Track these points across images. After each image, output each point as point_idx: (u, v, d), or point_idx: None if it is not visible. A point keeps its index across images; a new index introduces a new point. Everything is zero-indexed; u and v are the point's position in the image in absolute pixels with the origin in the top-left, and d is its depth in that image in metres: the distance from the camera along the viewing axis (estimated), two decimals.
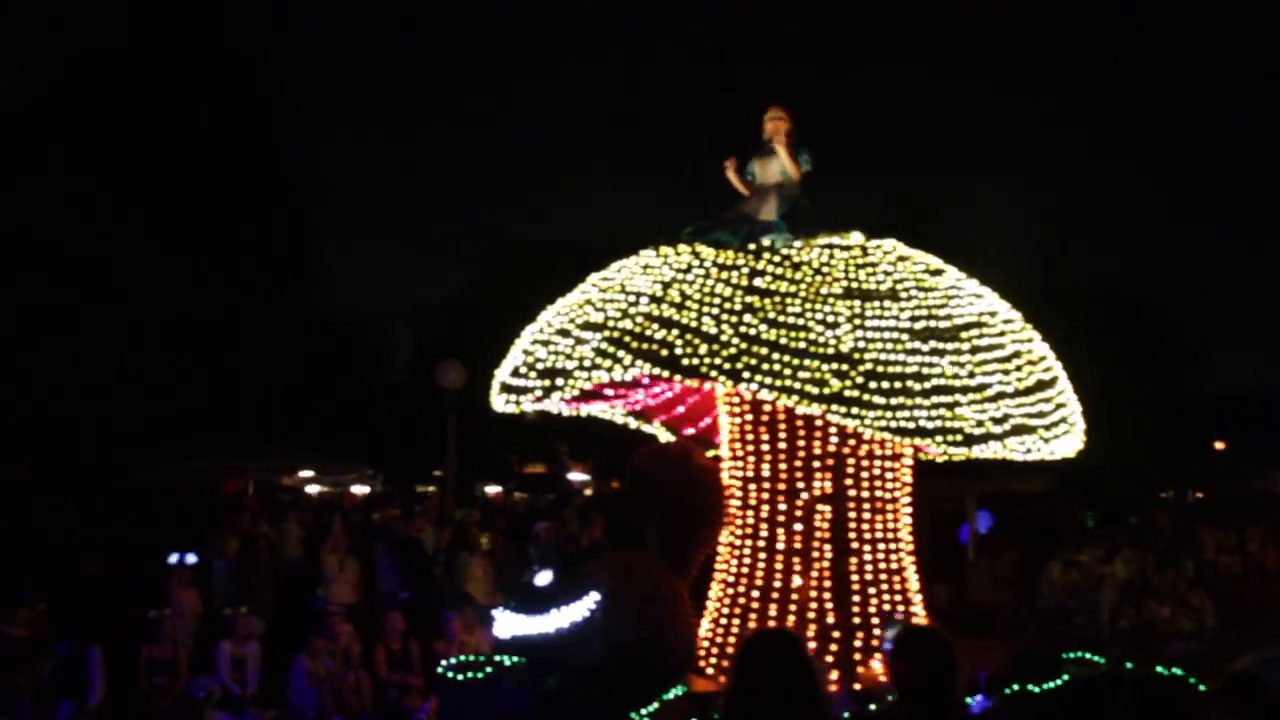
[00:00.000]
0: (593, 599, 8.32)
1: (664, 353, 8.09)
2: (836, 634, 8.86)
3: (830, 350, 8.21)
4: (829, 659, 8.77)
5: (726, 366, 8.05)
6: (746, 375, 8.04)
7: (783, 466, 9.13)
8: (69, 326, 25.46)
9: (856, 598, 9.00)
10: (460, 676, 9.01)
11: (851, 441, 9.05)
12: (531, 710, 8.23)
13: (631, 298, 8.48)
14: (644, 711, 7.47)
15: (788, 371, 8.07)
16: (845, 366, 8.16)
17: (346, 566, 14.62)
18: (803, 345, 8.19)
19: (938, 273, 9.23)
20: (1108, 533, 24.05)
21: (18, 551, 20.45)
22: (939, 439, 8.29)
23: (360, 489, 32.11)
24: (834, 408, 8.11)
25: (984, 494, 27.09)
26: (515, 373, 8.65)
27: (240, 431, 25.65)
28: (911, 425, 8.20)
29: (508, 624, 8.35)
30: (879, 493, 9.20)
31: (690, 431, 10.55)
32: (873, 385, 8.14)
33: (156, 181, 29.40)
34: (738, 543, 9.31)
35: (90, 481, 25.57)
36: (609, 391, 9.81)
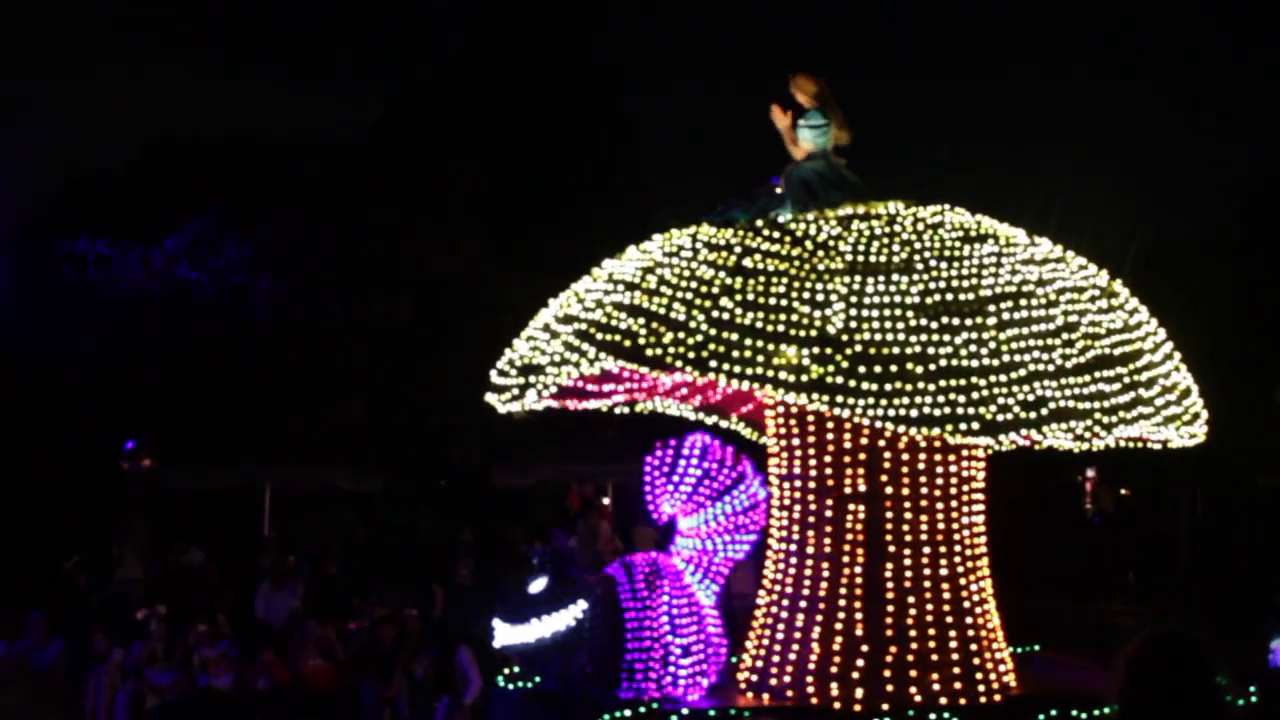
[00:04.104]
0: (580, 607, 7.93)
1: (627, 343, 7.57)
2: (865, 647, 7.97)
3: (814, 333, 7.41)
4: (855, 675, 7.91)
5: (691, 355, 7.41)
6: (713, 364, 7.37)
7: (813, 462, 8.32)
8: (438, 340, 27.05)
9: (891, 607, 8.05)
10: (508, 685, 8.87)
11: (888, 434, 8.10)
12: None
13: (609, 286, 7.99)
14: None
15: (760, 358, 7.34)
16: (829, 350, 7.33)
17: None
18: (781, 328, 7.43)
19: (978, 240, 8.10)
20: None
21: (389, 556, 22.02)
22: (950, 427, 7.28)
23: None
24: (816, 396, 7.30)
25: None
26: (501, 372, 8.34)
27: (597, 435, 26.16)
28: (913, 413, 7.25)
29: (500, 634, 8.07)
30: (923, 490, 8.18)
31: None
32: (862, 369, 7.26)
33: (510, 189, 30.65)
34: (775, 546, 8.57)
35: (461, 488, 27.11)
36: (636, 384, 9.25)
